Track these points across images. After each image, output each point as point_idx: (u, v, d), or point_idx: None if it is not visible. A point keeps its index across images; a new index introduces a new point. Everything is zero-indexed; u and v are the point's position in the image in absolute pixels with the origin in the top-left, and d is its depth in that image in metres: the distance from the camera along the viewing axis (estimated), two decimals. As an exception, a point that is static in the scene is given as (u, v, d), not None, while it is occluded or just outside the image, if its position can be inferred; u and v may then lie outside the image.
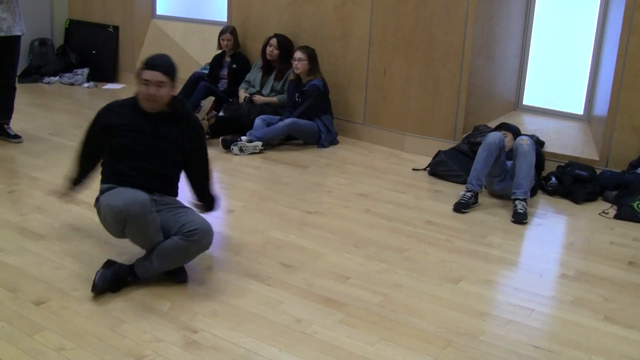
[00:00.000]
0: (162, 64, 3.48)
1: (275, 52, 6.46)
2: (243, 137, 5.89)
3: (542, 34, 5.94)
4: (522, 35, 5.96)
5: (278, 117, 6.14)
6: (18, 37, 5.58)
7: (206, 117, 6.12)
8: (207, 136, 6.07)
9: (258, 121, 6.06)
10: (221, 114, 6.39)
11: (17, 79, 5.87)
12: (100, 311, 3.15)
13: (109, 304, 3.22)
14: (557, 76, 5.92)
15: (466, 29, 5.60)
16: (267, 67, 6.63)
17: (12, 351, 2.80)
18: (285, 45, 6.48)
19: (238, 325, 3.08)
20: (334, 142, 6.23)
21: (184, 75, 7.23)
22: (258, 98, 6.49)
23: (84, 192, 3.96)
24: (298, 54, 6.14)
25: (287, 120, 5.97)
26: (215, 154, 5.82)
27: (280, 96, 6.47)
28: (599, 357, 2.96)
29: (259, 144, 5.86)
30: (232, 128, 6.19)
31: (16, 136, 5.84)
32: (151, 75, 3.42)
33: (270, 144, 5.99)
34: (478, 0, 5.52)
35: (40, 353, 2.80)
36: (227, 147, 5.85)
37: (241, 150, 5.80)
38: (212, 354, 2.86)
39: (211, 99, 6.32)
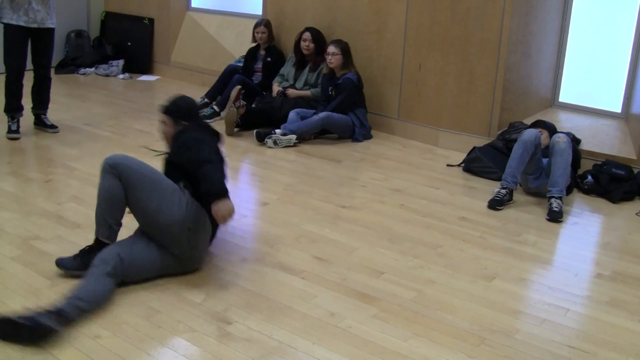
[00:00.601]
0: (164, 104, 3.66)
1: (312, 45, 6.45)
2: (277, 130, 5.89)
3: (579, 30, 5.85)
4: (559, 31, 5.88)
5: (312, 111, 6.14)
6: (51, 30, 5.65)
7: (233, 106, 6.12)
8: (237, 129, 6.15)
9: (292, 115, 6.07)
10: (253, 106, 6.41)
11: (52, 70, 5.94)
12: (135, 301, 3.19)
13: (145, 294, 3.26)
14: (595, 73, 5.84)
15: (502, 24, 5.54)
16: (301, 61, 6.62)
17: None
18: (319, 38, 6.48)
19: (272, 318, 3.09)
20: (367, 136, 6.22)
21: (218, 67, 7.29)
22: (291, 91, 6.49)
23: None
24: (331, 49, 6.12)
25: (322, 114, 5.95)
26: (248, 146, 5.85)
27: (313, 90, 6.46)
28: None
29: (293, 137, 5.86)
30: (263, 120, 6.20)
31: (53, 126, 5.93)
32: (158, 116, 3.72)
33: (304, 137, 6.00)
34: (516, -5, 5.47)
35: (77, 340, 2.84)
36: (261, 139, 5.86)
37: (275, 143, 5.81)
38: (246, 345, 2.87)
39: (237, 88, 6.29)
